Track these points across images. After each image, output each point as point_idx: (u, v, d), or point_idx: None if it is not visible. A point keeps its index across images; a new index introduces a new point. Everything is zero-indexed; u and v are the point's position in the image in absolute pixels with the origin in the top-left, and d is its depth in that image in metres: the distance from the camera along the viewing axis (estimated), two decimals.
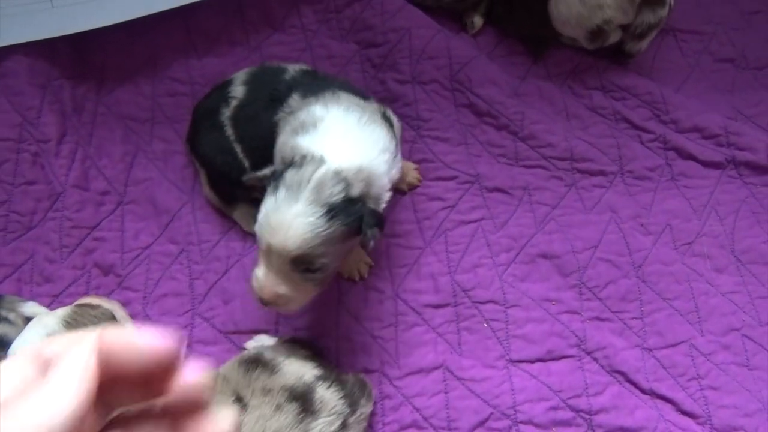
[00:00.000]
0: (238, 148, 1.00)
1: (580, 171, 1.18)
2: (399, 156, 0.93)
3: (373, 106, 0.93)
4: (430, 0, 1.28)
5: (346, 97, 0.90)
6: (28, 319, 0.91)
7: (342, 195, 0.79)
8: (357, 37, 1.25)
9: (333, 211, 0.78)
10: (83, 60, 1.19)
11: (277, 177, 0.80)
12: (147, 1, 1.09)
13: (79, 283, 1.03)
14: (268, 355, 0.89)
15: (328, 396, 0.85)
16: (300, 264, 0.79)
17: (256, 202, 0.95)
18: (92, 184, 1.10)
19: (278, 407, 0.82)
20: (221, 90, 1.02)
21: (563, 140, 1.18)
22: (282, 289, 0.81)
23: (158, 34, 1.21)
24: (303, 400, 0.83)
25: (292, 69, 0.99)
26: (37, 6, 1.06)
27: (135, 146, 1.16)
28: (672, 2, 1.28)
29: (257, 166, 0.92)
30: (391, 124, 0.93)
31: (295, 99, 0.91)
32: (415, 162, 1.14)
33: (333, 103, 0.88)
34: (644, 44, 1.23)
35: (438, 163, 1.15)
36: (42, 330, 0.86)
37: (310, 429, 0.82)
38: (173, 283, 1.04)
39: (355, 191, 0.80)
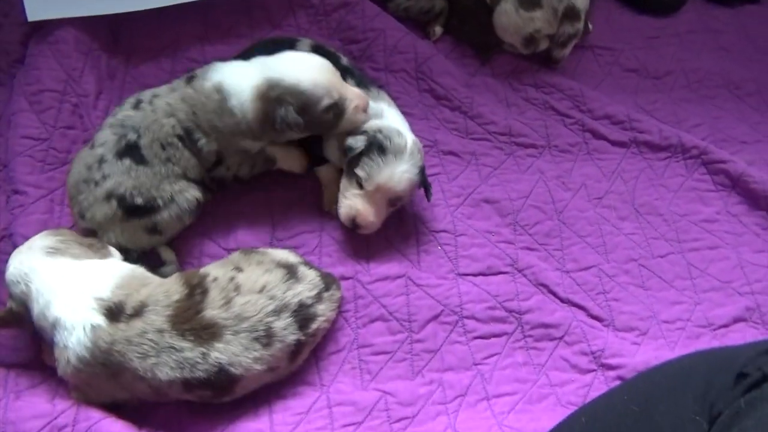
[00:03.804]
0: None
1: (516, 144, 1.48)
2: None
3: None
4: (401, 11, 1.61)
5: (383, 95, 1.31)
6: None
7: (421, 160, 1.19)
8: (342, 35, 1.55)
9: (419, 170, 1.17)
10: (117, 38, 1.45)
11: (377, 145, 1.14)
12: None
13: None
14: (261, 248, 1.13)
15: (308, 272, 1.08)
16: (393, 201, 1.17)
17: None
18: None
19: (267, 270, 1.04)
20: (289, 39, 1.33)
21: (503, 120, 1.49)
22: (372, 216, 1.16)
23: (179, 24, 1.49)
24: (288, 269, 1.06)
25: (344, 59, 1.33)
26: None
27: None
28: (590, 25, 1.64)
29: None
30: None
31: (351, 83, 1.22)
32: None
33: (381, 99, 1.27)
34: (567, 51, 1.58)
35: None
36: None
37: (292, 288, 1.04)
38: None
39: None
